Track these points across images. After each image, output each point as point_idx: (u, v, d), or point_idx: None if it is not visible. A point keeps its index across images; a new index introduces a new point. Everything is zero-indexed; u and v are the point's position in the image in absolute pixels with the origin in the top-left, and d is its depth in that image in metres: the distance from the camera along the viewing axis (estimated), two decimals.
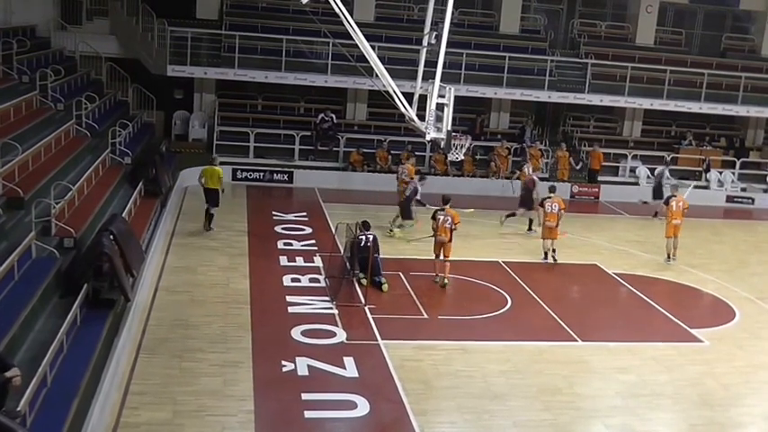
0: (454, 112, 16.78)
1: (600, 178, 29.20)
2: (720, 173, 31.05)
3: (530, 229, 22.48)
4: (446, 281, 17.38)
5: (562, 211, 19.93)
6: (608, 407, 12.58)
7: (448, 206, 17.73)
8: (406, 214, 21.20)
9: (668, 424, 12.40)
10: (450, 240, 17.41)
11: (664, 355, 14.66)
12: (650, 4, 32.18)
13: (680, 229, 20.90)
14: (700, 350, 15.15)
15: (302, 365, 12.87)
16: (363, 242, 16.69)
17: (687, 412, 12.67)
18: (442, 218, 17.55)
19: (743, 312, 17.44)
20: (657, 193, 26.08)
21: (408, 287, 17.11)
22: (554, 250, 19.95)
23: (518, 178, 24.83)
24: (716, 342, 15.54)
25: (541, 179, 26.86)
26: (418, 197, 21.03)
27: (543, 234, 20.16)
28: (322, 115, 27.93)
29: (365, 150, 27.63)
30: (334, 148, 27.99)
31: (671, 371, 14.00)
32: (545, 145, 29.91)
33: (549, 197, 20.27)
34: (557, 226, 19.80)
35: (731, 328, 16.53)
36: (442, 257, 17.56)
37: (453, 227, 17.38)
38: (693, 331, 15.97)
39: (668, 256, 21.01)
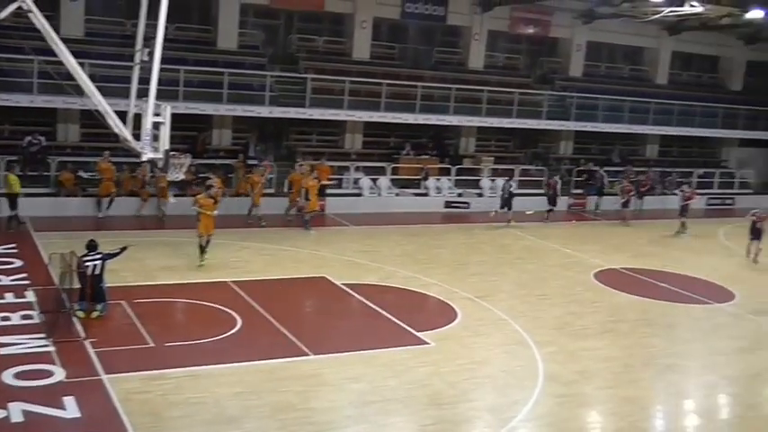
0: (174, 130, 16.29)
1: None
2: (438, 180, 32.72)
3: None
4: None
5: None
6: (342, 417, 12.64)
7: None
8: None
9: (400, 428, 12.64)
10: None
11: (393, 360, 15.01)
12: (365, 20, 33.19)
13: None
14: (426, 352, 15.66)
15: (16, 411, 11.74)
16: (92, 270, 15.71)
17: (418, 414, 13.01)
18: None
19: (464, 312, 18.31)
20: (507, 202, 29.30)
21: (133, 315, 16.23)
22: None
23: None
24: (441, 342, 16.15)
25: (267, 195, 27.06)
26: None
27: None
28: (29, 138, 26.00)
29: (87, 176, 26.12)
30: (45, 173, 26.12)
31: (400, 375, 14.35)
32: (271, 161, 29.84)
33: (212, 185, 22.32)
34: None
35: (454, 328, 17.28)
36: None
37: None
38: (419, 334, 16.49)
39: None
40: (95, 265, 15.90)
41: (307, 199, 25.92)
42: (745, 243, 26.33)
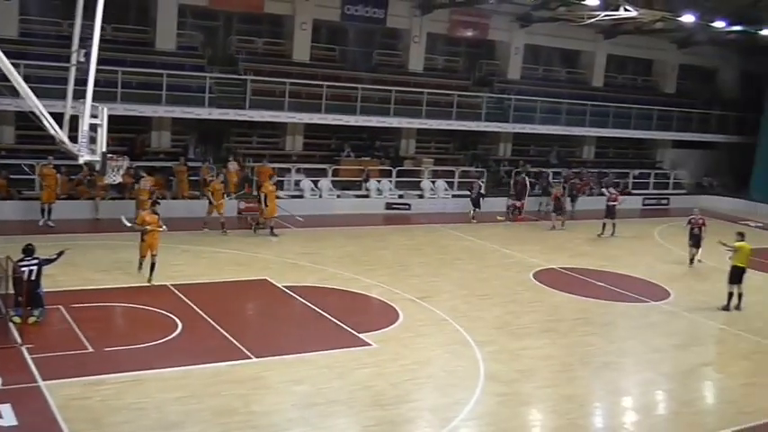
0: (112, 132, 16.01)
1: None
2: (379, 182, 32.81)
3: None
4: None
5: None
6: (285, 420, 12.61)
7: None
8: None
9: (343, 429, 12.66)
10: None
11: (336, 362, 15.03)
12: (305, 22, 33.13)
13: None
14: (369, 353, 15.73)
15: None
16: (28, 275, 15.41)
17: (360, 415, 13.06)
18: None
19: (406, 313, 18.41)
20: (476, 202, 31.32)
21: (71, 320, 15.97)
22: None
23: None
24: (383, 343, 16.23)
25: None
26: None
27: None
28: None
29: (17, 177, 25.59)
30: None
31: (343, 376, 14.39)
32: (211, 162, 29.63)
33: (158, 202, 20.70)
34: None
35: (396, 329, 17.37)
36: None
37: None
38: (362, 335, 16.55)
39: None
40: (32, 270, 15.60)
41: (265, 204, 25.70)
42: (679, 242, 26.95)
